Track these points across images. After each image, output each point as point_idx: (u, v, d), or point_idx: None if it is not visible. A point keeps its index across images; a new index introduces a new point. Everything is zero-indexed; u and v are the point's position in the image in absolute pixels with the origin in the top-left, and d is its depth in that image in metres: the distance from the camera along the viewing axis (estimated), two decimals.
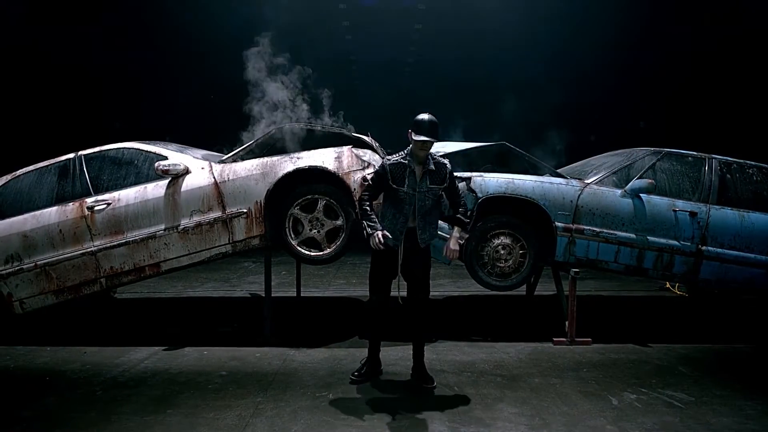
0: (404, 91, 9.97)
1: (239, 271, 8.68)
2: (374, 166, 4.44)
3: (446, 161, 3.73)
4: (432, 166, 3.62)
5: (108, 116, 9.75)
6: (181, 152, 4.82)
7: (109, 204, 4.62)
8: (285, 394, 3.65)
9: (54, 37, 9.47)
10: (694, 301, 6.55)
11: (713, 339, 4.91)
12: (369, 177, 3.77)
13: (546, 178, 4.82)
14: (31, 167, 4.85)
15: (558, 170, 5.12)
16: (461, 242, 3.81)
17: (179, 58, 9.21)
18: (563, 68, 9.43)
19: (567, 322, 4.75)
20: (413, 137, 3.52)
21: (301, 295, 6.41)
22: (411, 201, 3.59)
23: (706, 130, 9.34)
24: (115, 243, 4.61)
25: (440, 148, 5.01)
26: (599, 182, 4.80)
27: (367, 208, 3.60)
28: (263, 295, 4.87)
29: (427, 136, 3.49)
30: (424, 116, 3.55)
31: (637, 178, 4.74)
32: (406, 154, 3.62)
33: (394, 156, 3.67)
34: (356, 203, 3.96)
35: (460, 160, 4.95)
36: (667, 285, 7.15)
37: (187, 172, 4.61)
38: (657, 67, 10.12)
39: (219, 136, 5.34)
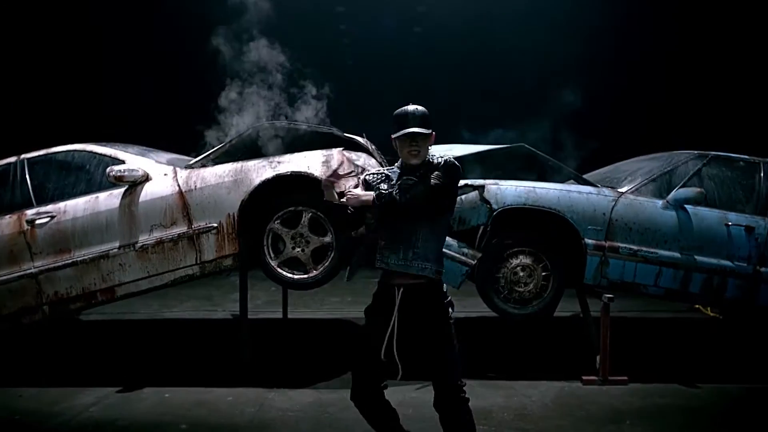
0: (405, 86, 9.28)
1: (224, 287, 7.90)
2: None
3: (448, 157, 2.52)
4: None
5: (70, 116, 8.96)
6: (142, 156, 4.09)
7: (53, 217, 3.88)
8: None
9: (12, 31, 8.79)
10: (730, 325, 5.79)
11: (766, 375, 4.16)
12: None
13: (573, 187, 4.09)
14: None
15: (584, 176, 4.39)
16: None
17: (148, 48, 8.46)
18: (575, 64, 8.80)
19: (598, 357, 4.00)
20: (393, 137, 2.47)
21: (288, 316, 5.64)
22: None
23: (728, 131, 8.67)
24: (60, 263, 3.86)
25: (446, 151, 4.29)
26: (636, 191, 4.07)
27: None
28: (240, 321, 4.13)
29: (416, 127, 2.42)
30: (406, 106, 2.51)
31: (681, 187, 4.01)
32: (397, 168, 2.56)
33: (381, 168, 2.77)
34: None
35: (471, 165, 4.22)
36: (697, 305, 6.41)
37: (146, 179, 3.88)
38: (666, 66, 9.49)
39: (189, 137, 4.59)
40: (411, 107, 2.50)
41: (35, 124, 8.25)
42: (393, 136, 2.47)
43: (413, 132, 2.40)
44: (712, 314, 6.22)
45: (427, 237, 2.42)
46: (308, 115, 4.23)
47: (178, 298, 7.21)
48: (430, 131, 2.45)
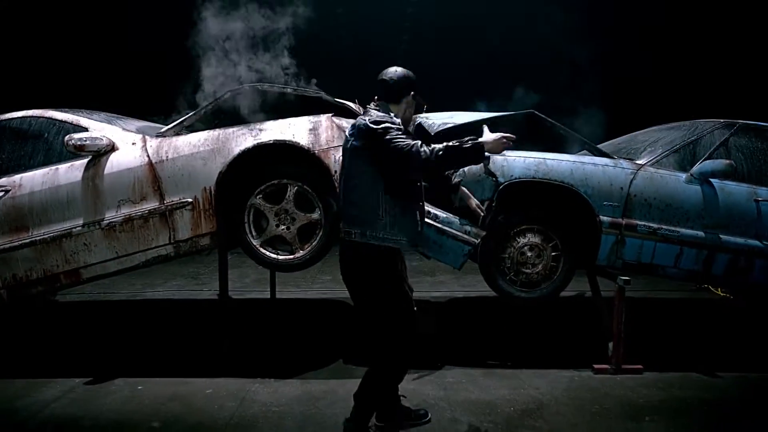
0: (401, 53, 8.81)
1: (212, 265, 7.53)
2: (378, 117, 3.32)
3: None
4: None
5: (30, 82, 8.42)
6: (108, 123, 3.66)
7: (7, 191, 3.46)
8: None
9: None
10: (742, 305, 5.49)
11: None
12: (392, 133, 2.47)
13: (587, 158, 3.70)
14: None
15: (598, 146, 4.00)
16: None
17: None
18: (573, 35, 8.34)
19: (611, 344, 3.68)
20: (415, 97, 2.72)
21: (276, 296, 5.29)
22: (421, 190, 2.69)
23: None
24: (17, 243, 3.46)
25: (447, 119, 3.88)
26: (656, 163, 3.69)
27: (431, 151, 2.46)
28: (234, 298, 3.76)
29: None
30: (395, 69, 2.71)
31: (707, 158, 3.63)
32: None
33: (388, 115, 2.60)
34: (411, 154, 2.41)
35: (475, 134, 3.80)
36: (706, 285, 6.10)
37: (112, 148, 3.46)
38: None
39: (161, 103, 4.15)
40: (406, 73, 2.69)
41: None
42: (416, 97, 2.70)
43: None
44: (722, 294, 5.92)
45: None
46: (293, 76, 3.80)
47: (163, 276, 6.86)
48: None
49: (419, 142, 2.45)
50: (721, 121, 3.87)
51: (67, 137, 3.36)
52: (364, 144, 2.48)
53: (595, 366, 3.69)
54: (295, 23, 3.95)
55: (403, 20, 9.16)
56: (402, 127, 2.57)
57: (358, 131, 2.52)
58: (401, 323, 2.58)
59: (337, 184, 3.31)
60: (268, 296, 5.23)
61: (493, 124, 3.88)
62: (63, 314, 5.26)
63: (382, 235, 2.52)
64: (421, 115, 4.07)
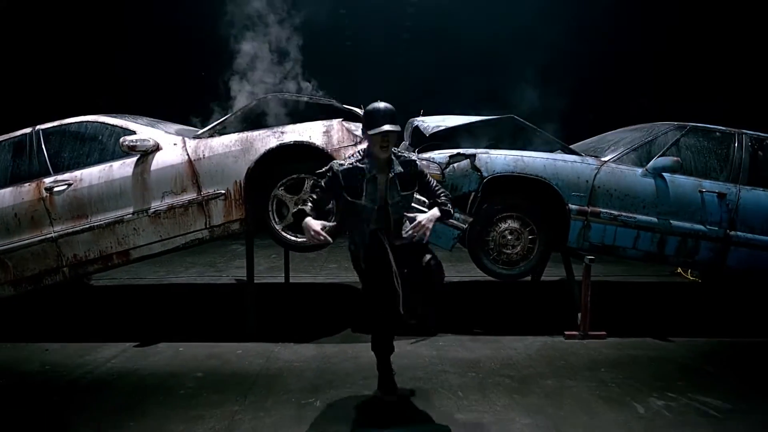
0: (400, 65, 9.41)
1: (227, 255, 8.22)
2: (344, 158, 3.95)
3: (414, 157, 3.00)
4: (399, 168, 2.89)
5: (89, 91, 9.15)
6: (152, 127, 4.31)
7: (70, 184, 4.12)
8: (266, 402, 3.21)
9: (30, 12, 8.85)
10: (709, 287, 6.14)
11: (735, 331, 4.50)
12: (320, 178, 2.93)
13: (559, 156, 4.34)
14: None
15: (570, 146, 4.64)
16: (435, 223, 2.93)
17: (156, 29, 8.59)
18: (566, 41, 8.91)
19: (579, 314, 4.32)
20: (368, 133, 2.81)
21: (290, 281, 5.95)
22: (370, 216, 2.88)
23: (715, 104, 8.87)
24: (78, 228, 4.12)
25: (440, 122, 4.53)
26: (617, 160, 4.33)
27: (306, 209, 2.90)
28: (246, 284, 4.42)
29: (388, 125, 2.76)
30: (377, 104, 2.84)
31: (660, 156, 4.27)
32: (363, 157, 2.88)
33: (347, 159, 2.93)
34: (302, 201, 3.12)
35: (463, 135, 4.46)
36: (678, 270, 6.74)
37: (157, 148, 4.11)
38: (660, 42, 9.61)
39: (196, 109, 4.81)
40: (381, 105, 2.83)
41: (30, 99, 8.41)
42: (369, 132, 2.80)
43: (387, 131, 2.75)
44: (692, 278, 6.56)
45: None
46: (308, 88, 4.45)
47: (183, 265, 7.50)
48: (399, 128, 2.79)
49: (309, 205, 2.91)
50: (675, 123, 4.51)
51: (121, 139, 4.00)
52: None
53: (566, 333, 4.34)
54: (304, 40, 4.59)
55: (403, 20, 9.68)
56: (331, 174, 2.87)
57: None
58: (370, 304, 3.04)
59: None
60: (283, 281, 5.89)
61: (478, 127, 4.57)
62: (99, 296, 5.92)
63: (348, 242, 3.05)
64: (417, 118, 4.71)
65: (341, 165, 2.88)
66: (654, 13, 9.32)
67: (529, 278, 5.69)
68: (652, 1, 9.38)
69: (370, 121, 2.81)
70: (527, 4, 8.59)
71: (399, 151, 2.96)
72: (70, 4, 9.03)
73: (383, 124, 2.76)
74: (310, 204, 2.94)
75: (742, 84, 9.29)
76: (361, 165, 2.85)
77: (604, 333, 4.33)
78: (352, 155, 2.94)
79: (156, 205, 4.09)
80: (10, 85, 8.77)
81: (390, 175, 2.87)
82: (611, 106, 8.85)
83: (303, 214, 2.89)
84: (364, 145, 3.08)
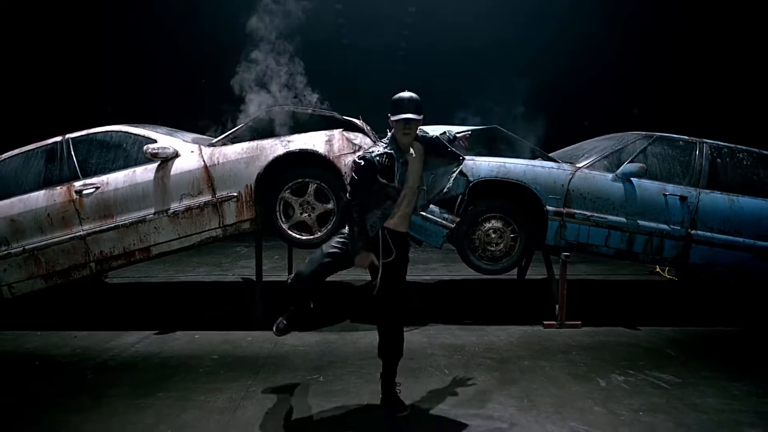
0: (397, 75, 9.88)
1: (232, 256, 8.66)
2: (365, 149, 4.40)
3: (434, 134, 3.22)
4: (421, 149, 3.09)
5: (98, 100, 9.66)
6: (171, 135, 4.77)
7: (97, 188, 4.57)
8: (276, 377, 3.66)
9: (41, 21, 9.33)
10: (684, 286, 6.60)
11: (702, 322, 4.95)
12: (351, 175, 3.01)
13: (537, 162, 4.81)
14: (18, 150, 4.79)
15: (549, 154, 5.11)
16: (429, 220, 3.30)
17: (169, 42, 9.09)
18: (559, 51, 9.39)
19: (557, 306, 4.78)
20: (392, 119, 2.97)
21: None
22: (395, 198, 3.01)
23: (700, 115, 9.36)
24: (105, 227, 4.57)
25: (428, 131, 4.98)
26: (590, 166, 4.80)
27: (356, 214, 2.94)
28: (255, 280, 4.86)
29: (411, 113, 2.94)
30: (403, 93, 3.00)
31: (628, 162, 4.74)
32: (389, 144, 3.01)
33: (376, 147, 3.03)
34: (345, 204, 3.03)
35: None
36: (657, 269, 7.20)
37: (176, 155, 4.57)
38: (649, 51, 10.10)
39: (209, 119, 5.29)
40: (407, 94, 3.01)
41: (67, 109, 8.91)
42: (393, 118, 2.98)
43: (408, 118, 2.95)
44: (669, 277, 7.02)
45: None
46: (312, 100, 4.92)
47: (191, 265, 7.95)
48: (421, 117, 2.99)
49: (356, 215, 2.93)
50: (643, 133, 4.99)
51: (145, 147, 4.46)
52: None
53: (545, 322, 4.79)
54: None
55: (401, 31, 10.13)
56: (367, 160, 2.94)
57: None
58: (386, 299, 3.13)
59: (346, 184, 4.42)
60: (286, 279, 6.33)
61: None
62: (115, 292, 6.36)
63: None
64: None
65: (371, 152, 2.99)
66: (649, 27, 9.81)
67: (515, 276, 6.17)
68: (644, 17, 9.88)
69: (396, 107, 2.97)
70: (521, 15, 9.07)
71: (422, 135, 3.12)
72: (81, 15, 9.51)
73: (406, 112, 2.94)
74: (356, 212, 2.95)
75: (731, 94, 9.79)
76: (389, 150, 2.98)
77: (579, 323, 4.78)
78: (379, 144, 3.08)
79: (175, 206, 4.54)
80: (19, 94, 9.26)
81: (413, 155, 3.06)
82: (606, 116, 9.34)
83: (358, 226, 2.95)
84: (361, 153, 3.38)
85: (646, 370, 3.76)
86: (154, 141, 4.62)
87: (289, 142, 4.50)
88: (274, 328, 3.24)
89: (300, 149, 4.44)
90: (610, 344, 4.34)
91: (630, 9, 9.55)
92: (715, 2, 9.48)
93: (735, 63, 9.85)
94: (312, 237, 4.57)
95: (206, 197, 4.54)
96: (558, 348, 4.25)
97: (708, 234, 4.73)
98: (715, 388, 3.49)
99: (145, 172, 4.56)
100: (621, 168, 4.72)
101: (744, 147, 5.00)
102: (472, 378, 3.63)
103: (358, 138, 4.55)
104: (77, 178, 4.62)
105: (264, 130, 4.74)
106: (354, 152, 4.46)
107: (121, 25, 9.38)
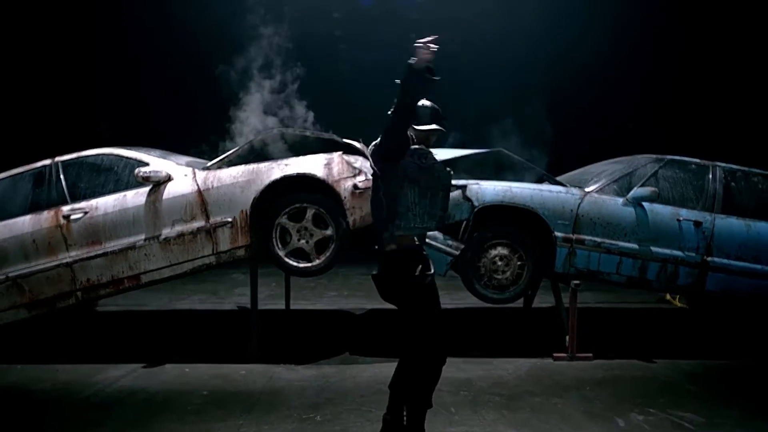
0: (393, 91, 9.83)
1: (228, 283, 8.41)
2: (365, 173, 4.24)
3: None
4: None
5: (91, 121, 9.54)
6: (164, 158, 4.60)
7: (86, 212, 4.38)
8: (270, 416, 3.41)
9: (33, 39, 9.31)
10: (695, 314, 6.36)
11: (718, 354, 4.71)
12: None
13: (545, 186, 4.63)
14: (4, 174, 4.61)
15: (556, 178, 4.93)
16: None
17: (163, 63, 9.03)
18: (560, 72, 9.34)
19: (567, 337, 4.54)
20: (416, 129, 2.85)
21: (291, 308, 6.15)
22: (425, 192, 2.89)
23: (706, 137, 9.26)
24: (92, 254, 4.36)
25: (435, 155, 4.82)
26: (600, 190, 4.62)
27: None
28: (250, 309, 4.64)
29: (436, 125, 2.89)
30: (425, 102, 2.90)
31: (639, 186, 4.56)
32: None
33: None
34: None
35: (454, 167, 4.74)
36: (668, 297, 6.96)
37: (169, 179, 4.39)
38: (652, 72, 10.07)
39: (204, 142, 5.12)
40: (429, 102, 2.93)
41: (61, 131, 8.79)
42: (425, 128, 2.88)
43: (436, 129, 2.90)
44: (680, 305, 6.79)
45: None
46: (309, 122, 4.77)
47: (186, 293, 7.70)
48: (444, 129, 2.97)
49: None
50: (654, 156, 4.82)
51: (136, 170, 4.29)
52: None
53: (555, 354, 4.55)
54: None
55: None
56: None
57: None
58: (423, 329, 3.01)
59: (345, 209, 4.23)
60: (284, 307, 6.09)
61: (470, 160, 4.87)
62: (104, 321, 6.11)
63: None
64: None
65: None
66: (645, 40, 9.78)
67: (521, 305, 5.93)
68: (645, 28, 9.85)
69: (429, 116, 2.90)
70: (524, 36, 9.03)
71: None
72: (73, 32, 9.48)
73: (430, 123, 2.89)
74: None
75: (740, 117, 9.71)
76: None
77: (590, 355, 4.53)
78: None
79: (167, 232, 4.34)
80: (10, 112, 9.15)
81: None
82: (604, 135, 9.23)
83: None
84: (361, 177, 3.21)
85: (666, 409, 3.51)
86: (146, 164, 4.45)
87: (286, 165, 4.33)
88: None
89: (298, 173, 4.27)
90: (625, 378, 4.09)
91: (637, 31, 9.54)
92: (726, 20, 9.45)
93: (745, 84, 9.79)
94: (310, 264, 4.36)
95: (199, 223, 4.34)
96: (570, 383, 4.00)
97: (725, 261, 4.51)
98: (743, 428, 3.24)
99: (136, 196, 4.38)
100: (632, 192, 4.54)
101: (758, 170, 4.83)
102: (480, 417, 3.38)
103: (359, 161, 4.38)
104: (65, 203, 4.44)
105: (260, 154, 4.56)
106: (354, 176, 4.29)
107: (114, 42, 9.34)
